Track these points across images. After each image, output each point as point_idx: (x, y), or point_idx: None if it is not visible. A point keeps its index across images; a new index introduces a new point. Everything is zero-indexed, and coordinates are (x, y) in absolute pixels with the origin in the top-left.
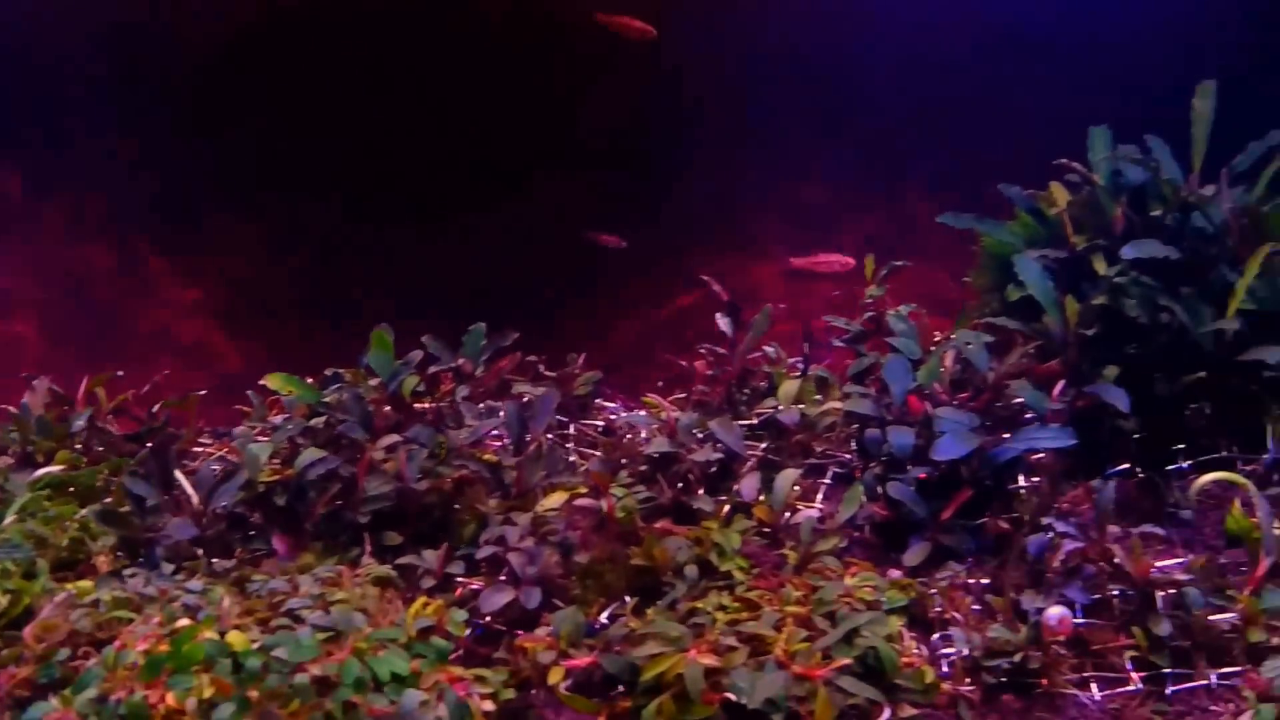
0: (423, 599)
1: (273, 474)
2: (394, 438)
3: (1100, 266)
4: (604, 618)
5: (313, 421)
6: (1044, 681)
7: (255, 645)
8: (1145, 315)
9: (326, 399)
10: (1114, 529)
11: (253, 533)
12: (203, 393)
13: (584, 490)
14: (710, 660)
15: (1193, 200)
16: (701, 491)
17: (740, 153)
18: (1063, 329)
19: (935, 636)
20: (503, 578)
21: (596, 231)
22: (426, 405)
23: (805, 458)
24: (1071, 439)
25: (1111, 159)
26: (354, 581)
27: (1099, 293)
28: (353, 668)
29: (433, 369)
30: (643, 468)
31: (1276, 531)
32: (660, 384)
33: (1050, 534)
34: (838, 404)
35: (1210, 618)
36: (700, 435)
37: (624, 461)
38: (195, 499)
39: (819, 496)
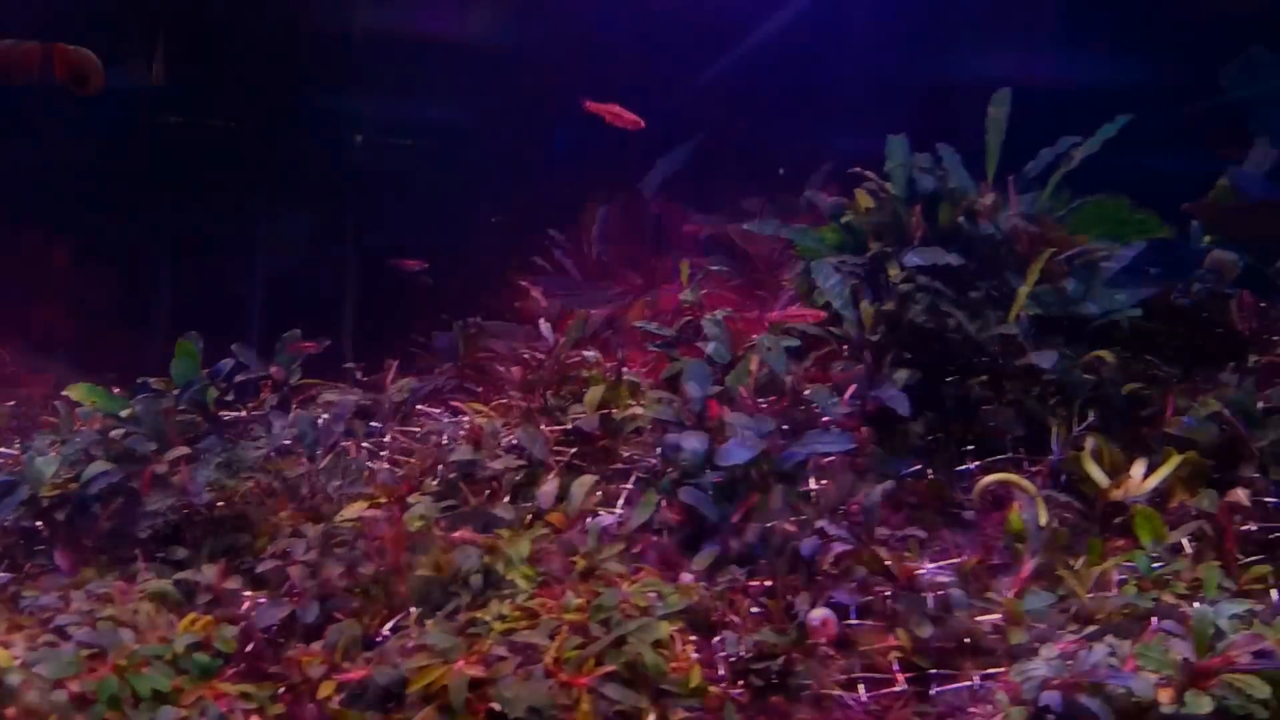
0: (192, 615)
1: (53, 488)
2: (183, 450)
3: (894, 272)
4: (387, 629)
5: (112, 433)
6: (812, 683)
7: (18, 661)
8: (932, 321)
9: (125, 411)
10: (883, 531)
11: (40, 547)
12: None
13: (383, 500)
14: (476, 671)
15: (979, 208)
16: (507, 499)
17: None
18: (859, 333)
19: (716, 640)
20: (284, 591)
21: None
22: (242, 414)
23: (610, 463)
24: (850, 443)
25: (905, 167)
26: (129, 597)
27: (890, 298)
28: (110, 685)
29: (241, 377)
30: (452, 475)
31: (1042, 531)
32: (480, 390)
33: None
34: (640, 409)
35: (976, 619)
36: (514, 441)
37: (439, 468)
38: None
39: (620, 502)
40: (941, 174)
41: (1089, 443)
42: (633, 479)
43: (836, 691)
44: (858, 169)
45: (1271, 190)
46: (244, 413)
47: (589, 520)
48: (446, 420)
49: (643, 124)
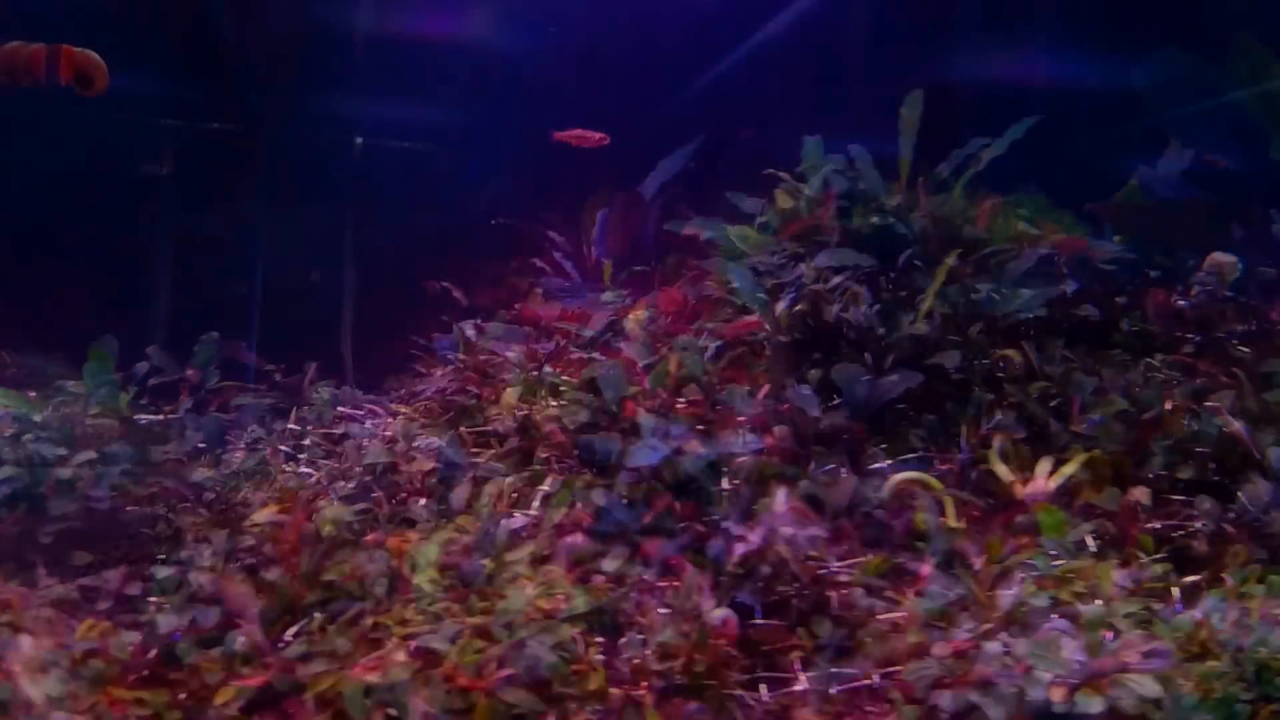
0: (89, 621)
1: None
2: (89, 454)
3: (808, 273)
4: (290, 635)
5: (24, 437)
6: (714, 683)
7: None
8: (845, 321)
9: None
10: (790, 531)
11: None
12: None
13: (293, 504)
14: (373, 676)
15: (891, 208)
16: (423, 502)
17: None
18: (775, 334)
19: (622, 641)
20: (186, 597)
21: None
22: (159, 417)
23: (528, 464)
24: (760, 443)
25: (820, 169)
26: (29, 603)
27: (804, 299)
28: (3, 690)
29: (155, 380)
30: (366, 478)
31: (945, 530)
32: (401, 392)
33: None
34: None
35: (878, 617)
36: (431, 443)
37: (355, 471)
38: None
39: (535, 503)
40: (854, 175)
41: (997, 441)
42: (548, 480)
43: (738, 691)
44: (771, 170)
45: (1179, 190)
46: (161, 416)
47: (501, 522)
48: (368, 423)
49: (608, 140)
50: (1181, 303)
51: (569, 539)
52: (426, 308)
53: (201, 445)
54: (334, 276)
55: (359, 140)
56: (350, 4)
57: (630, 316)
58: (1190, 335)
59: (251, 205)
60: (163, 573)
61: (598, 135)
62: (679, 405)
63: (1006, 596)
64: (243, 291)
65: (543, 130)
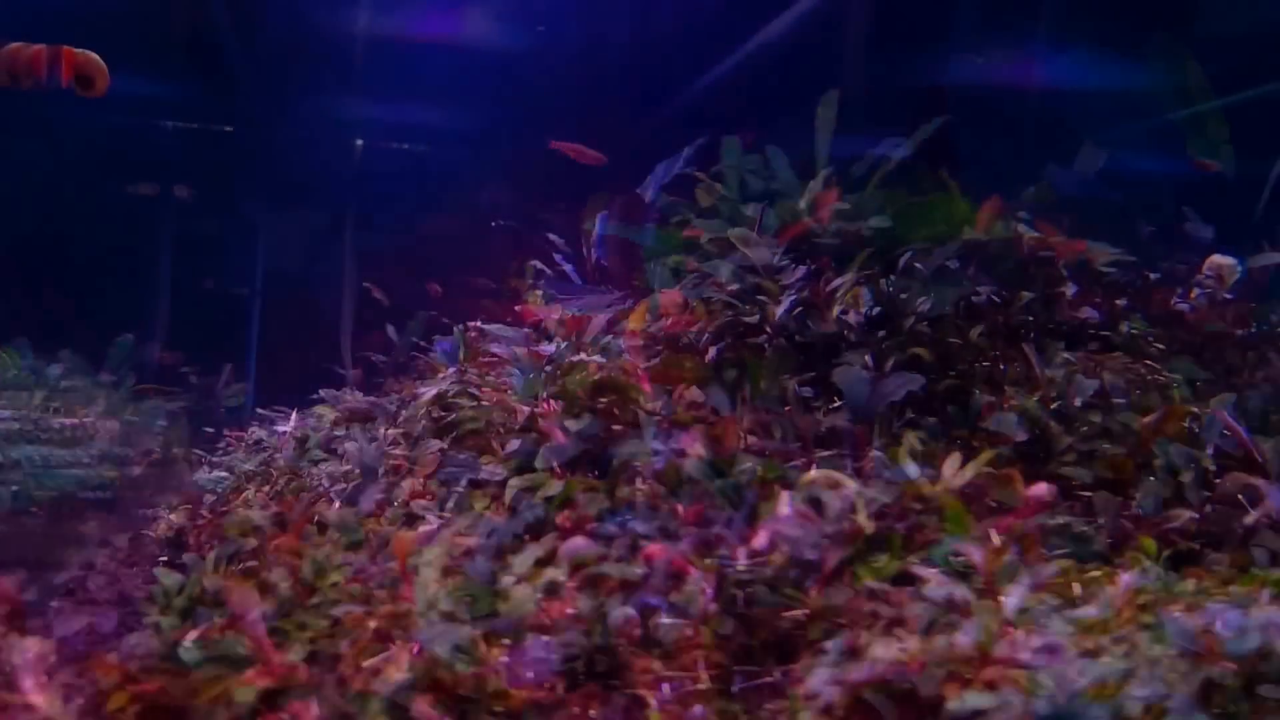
0: None
1: None
2: None
3: (725, 273)
4: (189, 640)
5: None
6: (617, 683)
7: None
8: (761, 321)
9: None
10: (697, 530)
11: None
12: None
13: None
14: (267, 681)
15: (803, 209)
16: (337, 504)
17: None
18: (696, 333)
19: (527, 643)
20: (84, 601)
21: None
22: (71, 421)
23: (445, 465)
24: (674, 442)
25: (736, 169)
26: None
27: (720, 299)
28: None
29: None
30: (280, 481)
31: (850, 527)
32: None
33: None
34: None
35: (782, 615)
36: (347, 446)
37: (269, 473)
38: None
39: (450, 504)
40: (769, 175)
41: (906, 439)
42: (464, 482)
43: (641, 691)
44: (688, 170)
45: (1089, 189)
46: (79, 420)
47: (414, 524)
48: (282, 425)
49: (604, 159)
50: (1097, 301)
51: (485, 540)
52: (427, 309)
53: (111, 448)
54: (330, 279)
55: (359, 142)
56: (348, 6)
57: (552, 318)
58: (1102, 331)
59: (250, 207)
60: (62, 578)
61: (594, 154)
62: (600, 405)
63: (908, 592)
64: (244, 292)
65: (542, 132)
